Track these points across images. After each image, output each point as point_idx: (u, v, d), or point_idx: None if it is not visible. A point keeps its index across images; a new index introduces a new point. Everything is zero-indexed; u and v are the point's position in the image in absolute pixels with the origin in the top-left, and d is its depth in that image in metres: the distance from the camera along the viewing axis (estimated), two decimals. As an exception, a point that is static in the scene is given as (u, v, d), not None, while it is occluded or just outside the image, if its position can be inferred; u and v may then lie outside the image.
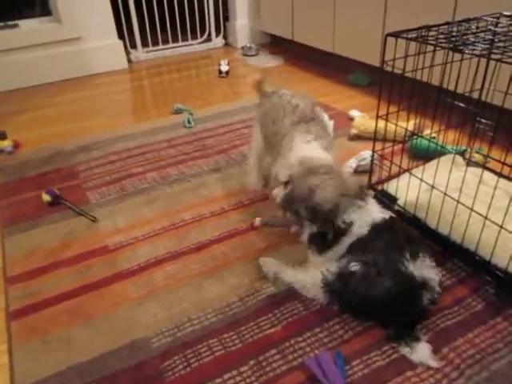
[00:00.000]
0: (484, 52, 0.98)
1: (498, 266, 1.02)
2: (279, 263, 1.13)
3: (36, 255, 1.27)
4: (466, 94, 1.28)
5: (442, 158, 1.29)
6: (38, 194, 1.52)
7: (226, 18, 3.34)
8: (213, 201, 1.46)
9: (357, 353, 0.92)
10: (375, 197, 1.34)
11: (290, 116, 1.20)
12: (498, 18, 1.19)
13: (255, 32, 3.29)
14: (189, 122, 2.03)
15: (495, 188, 1.01)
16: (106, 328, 1.02)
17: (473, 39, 1.06)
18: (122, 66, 2.97)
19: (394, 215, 1.05)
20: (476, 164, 1.28)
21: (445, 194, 1.11)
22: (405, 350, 0.90)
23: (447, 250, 1.15)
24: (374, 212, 1.01)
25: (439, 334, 0.94)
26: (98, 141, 1.94)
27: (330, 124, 1.28)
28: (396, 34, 1.15)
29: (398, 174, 1.31)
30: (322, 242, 1.01)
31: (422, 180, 1.18)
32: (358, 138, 1.78)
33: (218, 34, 3.33)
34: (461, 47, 1.01)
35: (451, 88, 1.17)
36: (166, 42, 3.16)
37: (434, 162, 1.26)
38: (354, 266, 0.94)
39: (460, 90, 1.25)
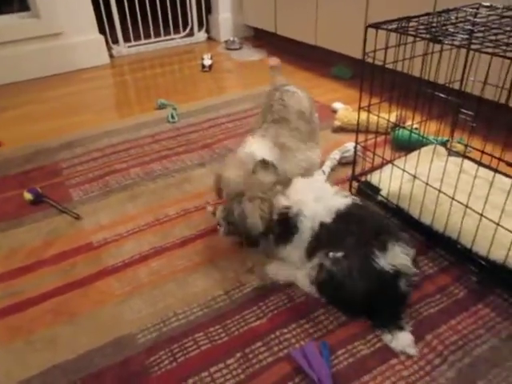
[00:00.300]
0: (463, 42, 0.99)
1: (479, 253, 1.04)
2: (280, 266, 1.11)
3: (18, 254, 1.25)
4: (447, 85, 1.30)
5: (424, 149, 1.30)
6: (20, 193, 1.50)
7: (209, 12, 3.32)
8: (197, 196, 1.45)
9: (342, 342, 0.92)
10: (359, 188, 1.35)
11: (269, 115, 1.26)
12: (477, 9, 1.20)
13: (238, 26, 3.27)
14: (172, 117, 2.02)
15: (475, 177, 1.02)
16: (91, 325, 1.01)
17: (452, 30, 1.07)
18: (103, 62, 2.93)
19: (356, 200, 1.04)
20: (457, 154, 1.29)
21: (426, 183, 1.12)
22: (387, 338, 0.91)
23: (430, 240, 1.16)
24: (333, 199, 1.03)
25: (422, 321, 0.95)
26: (81, 137, 1.92)
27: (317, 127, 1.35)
28: (376, 26, 1.15)
29: (381, 165, 1.32)
30: (276, 240, 1.08)
31: (404, 170, 1.19)
32: (341, 130, 1.78)
33: (200, 28, 3.31)
34: (440, 38, 1.02)
35: (432, 79, 1.18)
36: (148, 36, 3.13)
37: (415, 153, 1.27)
38: (326, 270, 0.96)
39: (441, 81, 1.26)
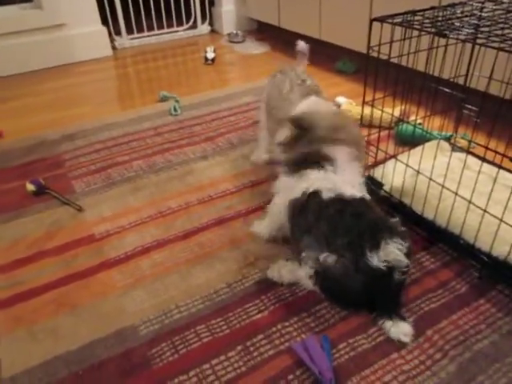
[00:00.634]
0: (469, 37, 0.98)
1: (481, 249, 1.04)
2: (282, 265, 1.09)
3: (21, 245, 1.26)
4: (452, 80, 1.29)
5: (428, 144, 1.30)
6: (23, 184, 1.50)
7: (212, 4, 3.30)
8: (199, 189, 1.45)
9: (343, 336, 0.93)
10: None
11: (298, 89, 1.27)
12: (483, 3, 1.19)
13: (241, 18, 3.25)
14: (175, 109, 2.01)
15: (479, 173, 1.02)
16: (93, 317, 1.02)
17: (458, 24, 1.06)
18: (106, 54, 2.93)
19: (365, 196, 1.01)
20: (461, 149, 1.29)
21: (430, 179, 1.12)
22: (387, 325, 0.91)
23: (432, 235, 1.16)
24: (346, 185, 1.00)
25: (423, 316, 0.96)
26: (83, 129, 1.92)
27: None
28: (381, 19, 1.15)
29: (385, 160, 1.32)
30: (296, 164, 1.06)
31: (407, 165, 1.18)
32: (344, 124, 1.77)
33: (203, 21, 3.29)
34: (446, 32, 1.01)
35: (437, 74, 1.18)
36: (151, 28, 3.11)
37: (419, 148, 1.27)
38: (328, 262, 0.93)
39: (445, 76, 1.26)
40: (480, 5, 1.18)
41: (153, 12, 3.04)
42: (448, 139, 1.44)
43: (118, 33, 3.03)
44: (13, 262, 1.20)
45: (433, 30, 1.04)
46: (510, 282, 1.02)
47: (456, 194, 1.06)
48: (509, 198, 0.95)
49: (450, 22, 1.09)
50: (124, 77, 2.58)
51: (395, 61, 1.16)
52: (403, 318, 0.93)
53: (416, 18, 1.13)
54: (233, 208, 1.34)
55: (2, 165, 1.69)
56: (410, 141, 1.44)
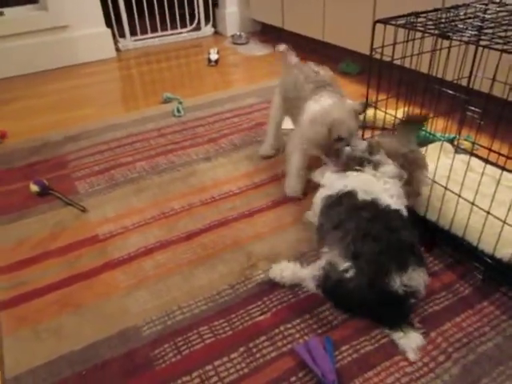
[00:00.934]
0: (472, 39, 0.98)
1: (484, 251, 1.03)
2: (285, 266, 1.09)
3: (25, 246, 1.26)
4: (455, 82, 1.29)
5: (431, 146, 1.29)
6: (26, 185, 1.51)
7: (216, 6, 3.31)
8: (202, 190, 1.46)
9: (346, 338, 0.93)
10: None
11: (312, 81, 1.33)
12: (486, 5, 1.19)
13: (245, 20, 3.26)
14: (178, 110, 2.02)
15: (482, 174, 1.02)
16: (96, 317, 1.02)
17: (461, 26, 1.06)
18: (110, 55, 2.94)
19: (402, 210, 0.99)
20: (464, 151, 1.29)
21: (433, 180, 1.12)
22: (397, 335, 0.90)
23: (435, 237, 1.16)
24: (384, 193, 0.99)
25: (427, 318, 0.95)
26: (86, 130, 1.92)
27: None
28: (385, 21, 1.15)
29: (387, 162, 1.31)
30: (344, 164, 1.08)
31: (410, 167, 1.18)
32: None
33: (207, 23, 3.30)
34: (449, 34, 1.01)
35: (440, 75, 1.18)
36: (154, 30, 3.12)
37: (422, 150, 1.26)
38: (345, 272, 0.92)
39: (449, 78, 1.26)
40: (483, 7, 1.18)
41: (157, 14, 3.05)
42: (451, 141, 1.44)
43: (122, 35, 3.04)
44: (17, 262, 1.20)
45: (436, 31, 1.04)
46: (513, 284, 1.01)
47: (459, 195, 1.05)
48: (512, 200, 0.95)
49: (453, 23, 1.09)
50: (128, 78, 2.59)
51: (398, 62, 1.16)
52: (413, 327, 0.92)
53: (419, 19, 1.13)
54: (236, 209, 1.35)
55: (5, 166, 1.69)
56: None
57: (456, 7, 1.19)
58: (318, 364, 0.85)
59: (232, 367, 0.88)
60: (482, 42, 0.95)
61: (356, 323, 0.96)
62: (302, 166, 1.34)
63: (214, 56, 2.67)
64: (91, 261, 1.19)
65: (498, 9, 1.16)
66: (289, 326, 0.96)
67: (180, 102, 2.09)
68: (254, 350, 0.91)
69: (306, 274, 1.02)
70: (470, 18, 1.12)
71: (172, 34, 3.21)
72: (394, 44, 1.12)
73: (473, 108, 1.34)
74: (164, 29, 3.16)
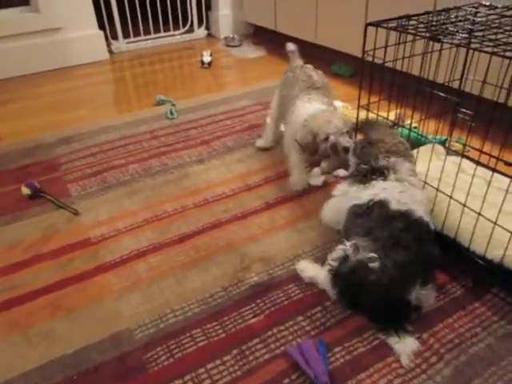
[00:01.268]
0: (463, 41, 0.99)
1: (476, 252, 1.04)
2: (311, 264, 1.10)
3: (17, 249, 1.25)
4: (446, 84, 1.30)
5: (423, 148, 1.30)
6: (18, 188, 1.50)
7: (209, 8, 3.31)
8: (195, 192, 1.45)
9: (339, 340, 0.93)
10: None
11: (302, 83, 1.43)
12: (476, 8, 1.20)
13: (238, 22, 3.26)
14: (171, 113, 2.02)
15: (473, 176, 1.03)
16: (89, 320, 1.01)
17: (452, 28, 1.07)
18: (103, 57, 2.93)
19: (430, 224, 1.00)
20: (456, 153, 1.30)
21: (425, 182, 1.12)
22: (392, 340, 0.90)
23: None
24: (418, 205, 0.99)
25: (419, 319, 0.96)
26: (79, 133, 1.92)
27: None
28: (376, 24, 1.16)
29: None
30: (363, 176, 1.08)
31: (402, 169, 1.18)
32: (340, 128, 1.78)
33: (200, 25, 3.30)
34: (440, 36, 1.02)
35: (431, 78, 1.18)
36: (147, 32, 3.12)
37: (414, 152, 1.27)
38: (371, 262, 0.91)
39: (440, 80, 1.27)
40: (474, 10, 1.19)
41: (149, 16, 3.05)
42: (443, 143, 1.45)
43: (115, 37, 3.03)
44: (9, 265, 1.20)
45: (427, 34, 1.05)
46: (504, 285, 1.02)
47: (450, 197, 1.06)
48: (503, 201, 0.96)
49: (444, 26, 1.09)
50: (121, 80, 2.59)
51: (390, 65, 1.17)
52: (406, 330, 0.92)
53: (411, 22, 1.14)
54: (229, 211, 1.35)
55: (-3, 168, 1.68)
56: (406, 144, 1.44)
57: (447, 10, 1.20)
58: (310, 366, 0.85)
59: (225, 370, 0.88)
60: (472, 45, 0.96)
61: (349, 325, 0.96)
62: (302, 160, 1.40)
63: (207, 58, 2.67)
64: (84, 264, 1.18)
65: (488, 12, 1.17)
66: (282, 328, 0.96)
67: (173, 105, 2.08)
68: (247, 353, 0.91)
69: (324, 273, 1.01)
70: (460, 20, 1.13)
71: (165, 36, 3.21)
72: (386, 47, 1.13)
73: (464, 110, 1.35)
74: (157, 31, 3.16)
